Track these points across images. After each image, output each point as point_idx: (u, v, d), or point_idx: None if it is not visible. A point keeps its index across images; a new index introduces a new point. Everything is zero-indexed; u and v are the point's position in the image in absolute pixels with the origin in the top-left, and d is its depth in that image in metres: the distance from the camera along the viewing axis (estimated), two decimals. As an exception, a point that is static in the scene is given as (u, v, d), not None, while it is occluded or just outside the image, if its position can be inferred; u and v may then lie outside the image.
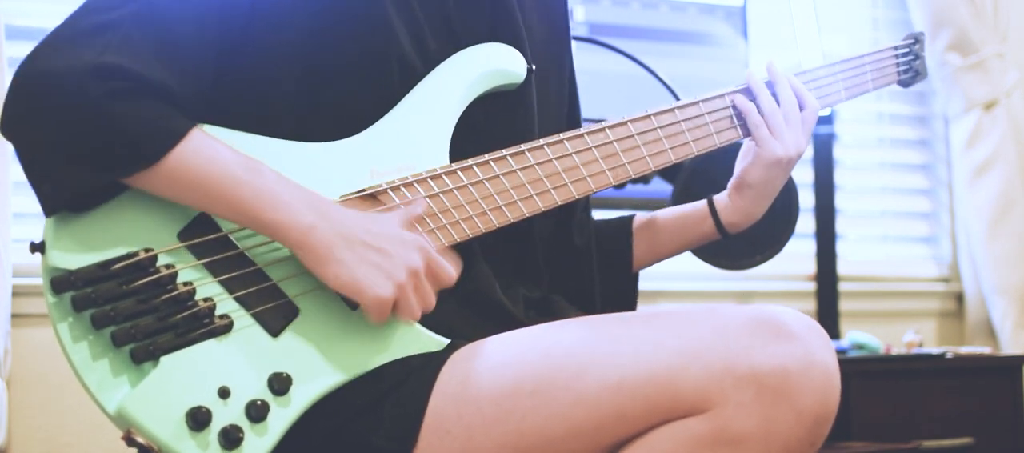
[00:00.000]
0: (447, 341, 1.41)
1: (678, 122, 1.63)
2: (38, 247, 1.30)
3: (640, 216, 1.80)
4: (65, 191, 1.29)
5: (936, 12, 3.25)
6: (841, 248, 3.21)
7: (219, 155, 1.33)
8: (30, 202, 2.36)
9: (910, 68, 1.92)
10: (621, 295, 1.79)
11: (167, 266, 1.31)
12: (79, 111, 1.27)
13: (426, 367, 1.38)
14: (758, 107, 1.67)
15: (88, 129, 1.27)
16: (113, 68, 1.28)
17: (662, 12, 2.97)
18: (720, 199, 1.74)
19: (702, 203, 1.76)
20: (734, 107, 1.68)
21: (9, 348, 2.30)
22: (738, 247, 1.85)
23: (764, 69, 1.71)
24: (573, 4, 2.85)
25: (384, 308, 1.34)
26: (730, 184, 1.72)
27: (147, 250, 1.31)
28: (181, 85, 1.33)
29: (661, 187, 2.39)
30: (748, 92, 1.69)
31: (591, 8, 2.89)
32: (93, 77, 1.27)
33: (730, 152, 1.74)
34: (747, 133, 1.68)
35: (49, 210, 1.30)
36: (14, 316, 2.33)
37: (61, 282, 1.27)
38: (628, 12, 2.93)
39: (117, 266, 1.29)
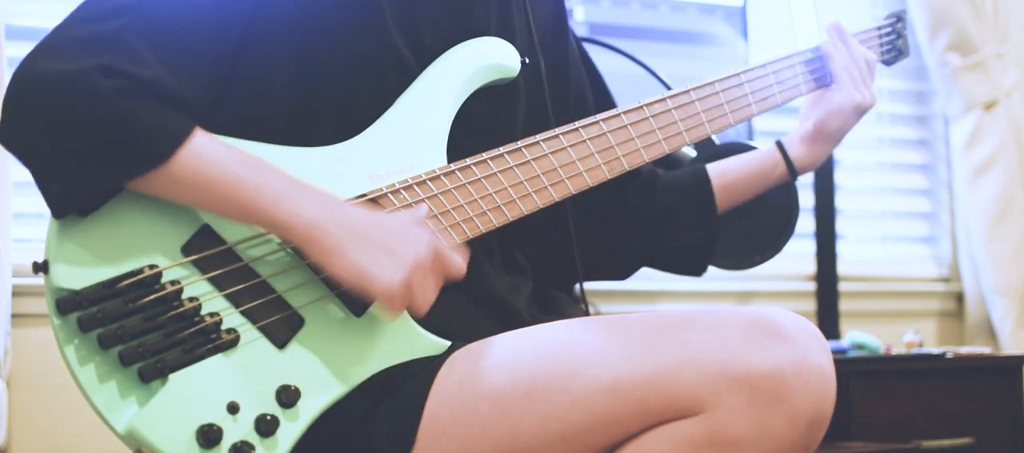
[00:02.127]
0: (447, 344, 1.41)
1: (669, 111, 1.65)
2: (41, 267, 1.29)
3: (711, 167, 1.84)
4: (77, 192, 1.28)
5: (936, 12, 3.25)
6: (841, 248, 3.21)
7: (222, 154, 1.32)
8: (30, 202, 2.38)
9: (893, 47, 1.96)
10: (703, 244, 1.84)
11: (172, 282, 1.30)
12: (91, 109, 1.26)
13: (424, 369, 1.38)
14: (842, 59, 1.86)
15: (100, 126, 1.26)
16: (117, 69, 1.27)
17: (662, 12, 2.96)
18: (790, 144, 1.85)
19: (772, 150, 1.85)
20: (812, 61, 1.86)
21: (9, 348, 2.29)
22: (738, 247, 1.86)
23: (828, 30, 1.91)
24: (573, 4, 2.85)
25: (395, 297, 1.32)
26: (806, 132, 1.86)
27: (151, 266, 1.30)
28: (182, 89, 1.33)
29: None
30: (820, 50, 1.88)
31: (591, 8, 2.88)
32: (101, 76, 1.26)
33: (739, 149, 1.75)
34: (824, 83, 1.86)
35: (59, 212, 1.29)
36: (14, 316, 2.33)
37: (66, 303, 1.26)
38: (628, 12, 2.93)
39: (122, 284, 1.28)
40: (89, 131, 1.26)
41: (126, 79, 1.28)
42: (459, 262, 1.39)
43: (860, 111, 1.86)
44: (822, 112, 1.86)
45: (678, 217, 1.78)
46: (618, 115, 1.59)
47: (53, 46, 1.29)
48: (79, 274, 1.28)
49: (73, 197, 1.29)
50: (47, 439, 2.41)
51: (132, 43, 1.30)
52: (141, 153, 1.29)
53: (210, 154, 1.31)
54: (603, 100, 1.79)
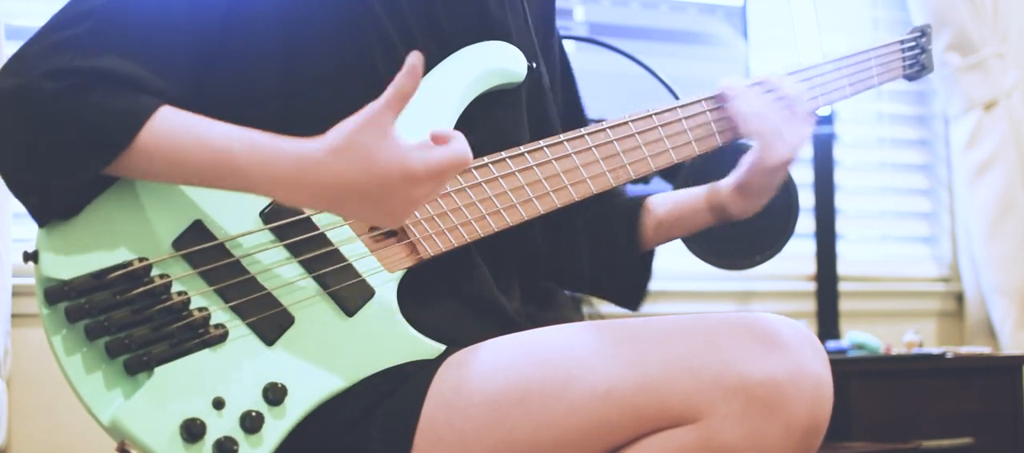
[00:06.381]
0: (442, 348, 1.40)
1: (680, 120, 1.62)
2: (31, 256, 1.29)
3: (652, 199, 1.79)
4: (53, 199, 1.28)
5: (936, 12, 3.25)
6: (841, 248, 3.21)
7: (193, 127, 1.29)
8: (30, 203, 2.38)
9: (916, 61, 1.90)
10: (632, 274, 1.79)
11: (161, 276, 1.30)
12: (39, 118, 1.25)
13: (419, 373, 1.38)
14: (757, 111, 1.65)
15: (54, 133, 1.25)
16: (64, 71, 1.26)
17: (662, 12, 2.97)
18: (722, 192, 1.72)
19: (702, 196, 1.74)
20: (723, 112, 1.66)
21: (9, 348, 2.30)
22: (738, 247, 1.85)
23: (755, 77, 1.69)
24: (573, 4, 2.86)
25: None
26: (732, 185, 1.70)
27: (141, 260, 1.30)
28: (149, 76, 1.30)
29: (661, 188, 2.39)
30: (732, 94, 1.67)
31: (591, 8, 2.89)
32: (45, 80, 1.25)
33: (729, 152, 1.73)
34: (738, 136, 1.67)
35: (42, 220, 1.29)
36: (14, 316, 2.33)
37: (55, 293, 1.26)
38: (628, 12, 2.94)
39: (111, 276, 1.28)
40: (44, 141, 1.25)
41: (74, 76, 1.26)
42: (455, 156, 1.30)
43: (782, 168, 1.67)
44: (747, 166, 1.69)
45: (603, 236, 1.75)
46: (625, 122, 1.58)
47: (16, 62, 1.29)
48: (68, 264, 1.28)
49: (54, 204, 1.28)
50: (47, 439, 2.41)
51: (90, 42, 1.29)
52: (100, 144, 1.27)
53: (181, 128, 1.29)
54: (575, 115, 1.76)
